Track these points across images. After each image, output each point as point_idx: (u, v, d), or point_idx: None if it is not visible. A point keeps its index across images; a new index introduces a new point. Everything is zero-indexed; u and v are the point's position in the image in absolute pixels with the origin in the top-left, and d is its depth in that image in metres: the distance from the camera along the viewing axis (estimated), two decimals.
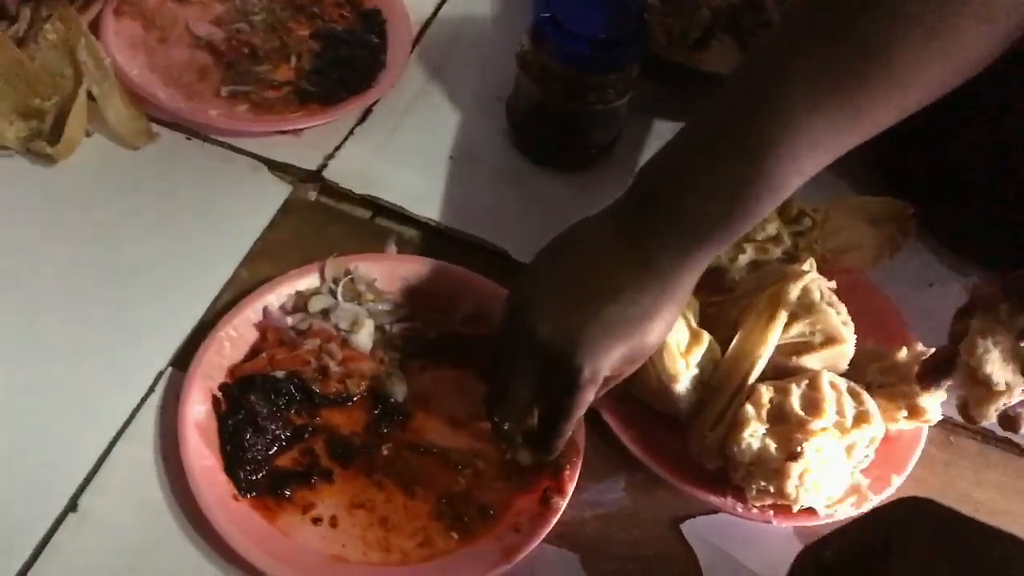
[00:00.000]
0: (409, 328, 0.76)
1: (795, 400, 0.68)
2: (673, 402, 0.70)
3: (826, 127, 0.56)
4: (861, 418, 0.69)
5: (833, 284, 0.73)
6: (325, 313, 0.75)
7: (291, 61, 0.92)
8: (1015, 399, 0.63)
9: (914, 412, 0.72)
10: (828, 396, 0.68)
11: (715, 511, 0.71)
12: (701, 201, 0.58)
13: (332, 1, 0.98)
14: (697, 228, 0.59)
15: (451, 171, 0.88)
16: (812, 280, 0.71)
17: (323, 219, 0.84)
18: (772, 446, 0.67)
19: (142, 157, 0.84)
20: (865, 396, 0.70)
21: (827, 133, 0.56)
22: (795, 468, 0.66)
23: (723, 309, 0.75)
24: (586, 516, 0.70)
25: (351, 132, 0.89)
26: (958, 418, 0.74)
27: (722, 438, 0.69)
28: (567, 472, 0.69)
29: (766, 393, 0.69)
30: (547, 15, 0.79)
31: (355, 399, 0.72)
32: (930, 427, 0.75)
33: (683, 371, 0.69)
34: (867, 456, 0.71)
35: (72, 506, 0.65)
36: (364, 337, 0.74)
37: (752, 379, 0.70)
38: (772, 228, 0.79)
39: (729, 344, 0.72)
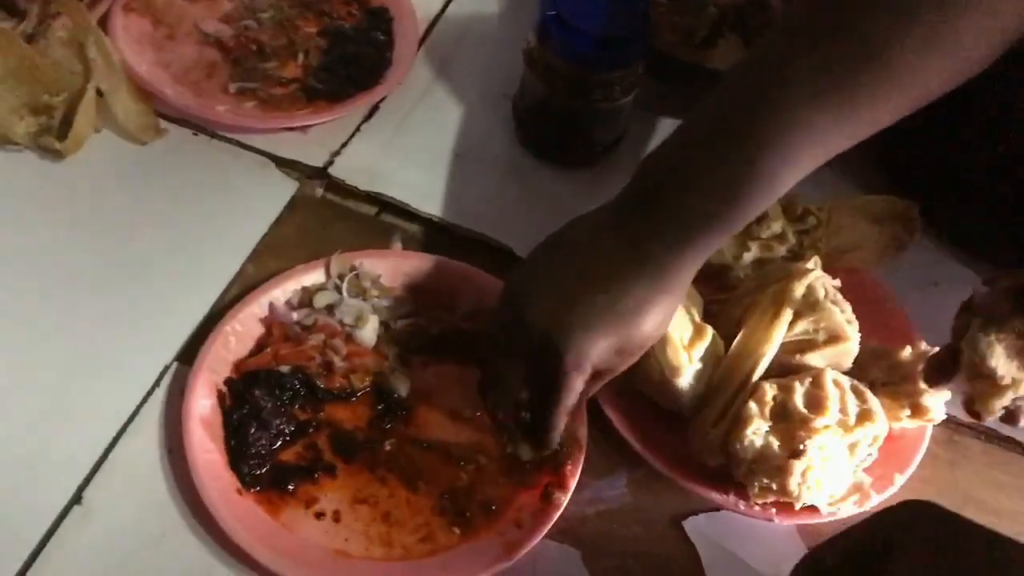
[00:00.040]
0: (413, 324, 0.76)
1: (798, 398, 0.68)
2: (675, 397, 0.70)
3: (824, 125, 0.56)
4: (864, 416, 0.69)
5: (837, 282, 0.73)
6: (330, 309, 0.75)
7: (298, 58, 0.92)
8: (1022, 392, 0.63)
9: (917, 411, 0.72)
10: (831, 394, 0.68)
11: (717, 508, 0.71)
12: (699, 197, 0.58)
13: None
14: (695, 223, 0.59)
15: (456, 168, 0.88)
16: (816, 278, 0.71)
17: (329, 215, 0.84)
18: (775, 443, 0.67)
19: (150, 152, 0.84)
20: (868, 394, 0.70)
21: (825, 131, 0.56)
22: (798, 466, 0.66)
23: (727, 307, 0.75)
24: (588, 512, 0.70)
25: (357, 129, 0.90)
26: (962, 417, 0.75)
27: (724, 435, 0.69)
28: (569, 468, 0.69)
29: (769, 390, 0.69)
30: (553, 13, 0.79)
31: (359, 394, 0.72)
32: (934, 426, 0.75)
33: (686, 365, 0.69)
34: (870, 454, 0.70)
35: (77, 499, 0.65)
36: (368, 333, 0.74)
37: (756, 376, 0.70)
38: (777, 226, 0.79)
39: (733, 341, 0.72)
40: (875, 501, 0.70)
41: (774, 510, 0.70)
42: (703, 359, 0.70)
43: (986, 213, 0.87)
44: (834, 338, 0.71)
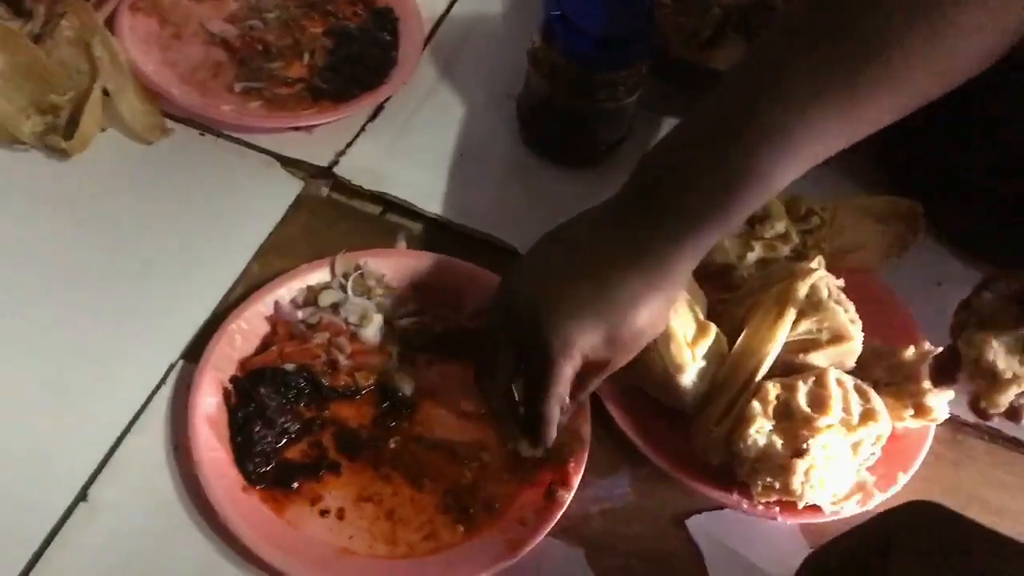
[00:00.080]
0: (417, 322, 0.76)
1: (801, 397, 0.68)
2: (679, 395, 0.71)
3: (824, 124, 0.56)
4: (868, 416, 0.69)
5: (841, 282, 0.73)
6: (335, 307, 0.76)
7: (304, 58, 0.93)
8: None
9: (921, 411, 0.72)
10: (835, 393, 0.68)
11: (720, 507, 0.71)
12: (698, 193, 0.58)
13: None
14: (693, 218, 0.59)
15: (461, 168, 0.89)
16: (820, 278, 0.71)
17: (334, 215, 0.84)
18: (778, 442, 0.67)
19: (156, 152, 0.85)
20: (872, 394, 0.70)
21: (825, 129, 0.56)
22: (801, 465, 0.66)
23: (731, 306, 0.75)
24: (591, 511, 0.70)
25: (362, 129, 0.90)
26: (965, 417, 0.75)
27: (728, 433, 0.69)
28: (572, 466, 0.69)
29: (773, 389, 0.69)
30: (557, 12, 0.79)
31: (363, 392, 0.72)
32: (937, 426, 0.75)
33: (689, 362, 0.69)
34: (873, 454, 0.71)
35: (83, 496, 0.66)
36: (373, 331, 0.75)
37: (759, 376, 0.70)
38: (780, 226, 0.79)
39: (736, 340, 0.72)
40: (878, 500, 0.71)
41: (777, 509, 0.70)
42: (707, 357, 0.71)
43: (986, 213, 0.87)
44: (837, 338, 0.71)
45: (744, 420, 0.68)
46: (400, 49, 0.95)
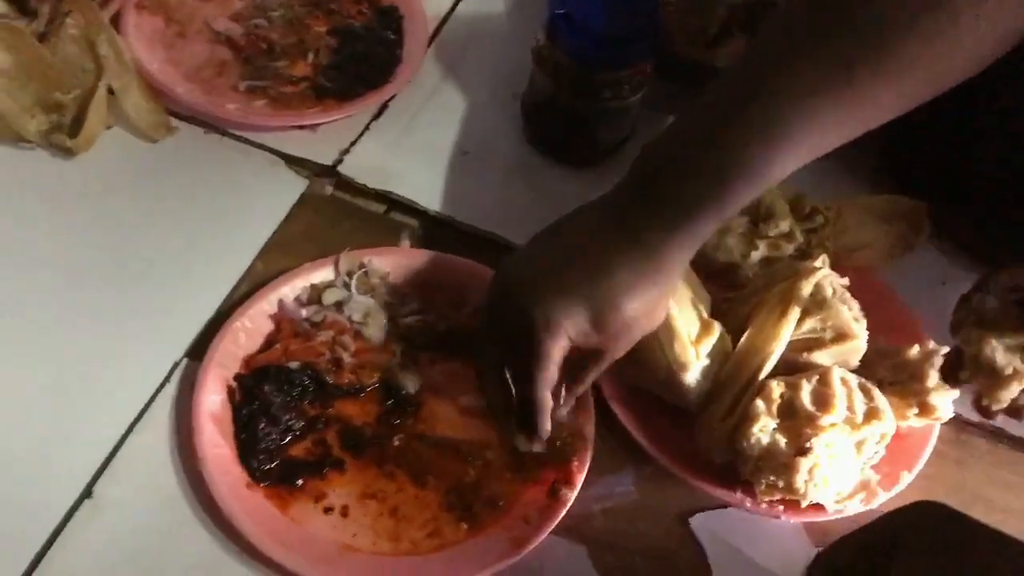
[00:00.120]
0: (421, 321, 0.76)
1: (805, 395, 0.68)
2: (682, 393, 0.71)
3: (820, 118, 0.56)
4: (871, 414, 0.69)
5: (846, 281, 0.73)
6: (339, 305, 0.76)
7: (308, 57, 0.93)
8: None
9: (925, 410, 0.72)
10: (838, 392, 0.68)
11: (724, 506, 0.71)
12: (694, 182, 0.58)
13: None
14: (687, 209, 0.59)
15: (465, 166, 0.89)
16: (824, 276, 0.71)
17: (338, 213, 0.84)
18: (782, 441, 0.67)
19: (161, 150, 0.85)
20: (876, 392, 0.70)
21: (824, 123, 0.56)
22: (804, 463, 0.66)
23: (735, 305, 0.75)
24: (595, 509, 0.71)
25: (367, 127, 0.90)
26: (969, 416, 0.75)
27: (731, 431, 0.69)
28: (575, 464, 0.69)
29: (776, 388, 0.69)
30: (562, 11, 0.79)
31: (367, 390, 0.73)
32: (941, 425, 0.75)
33: (693, 360, 0.69)
34: (877, 452, 0.71)
35: (87, 493, 0.66)
36: (377, 329, 0.75)
37: (763, 374, 0.70)
38: (785, 225, 0.79)
39: (740, 339, 0.72)
40: (882, 499, 0.71)
41: (781, 507, 0.70)
42: (711, 355, 0.71)
43: (989, 213, 0.86)
44: (841, 336, 0.71)
45: (748, 418, 0.68)
46: (404, 48, 0.95)
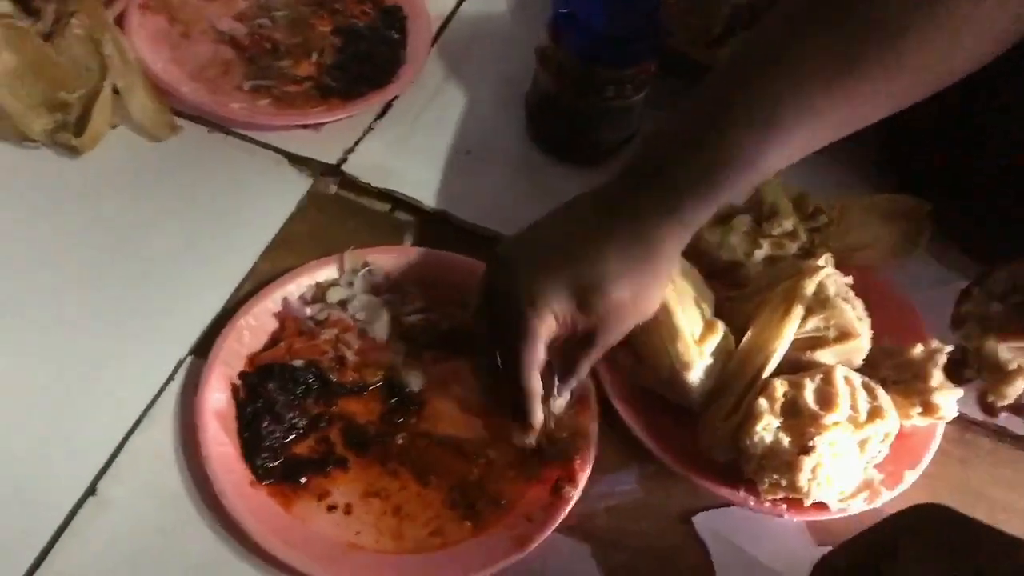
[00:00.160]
0: (424, 319, 0.76)
1: (809, 394, 0.68)
2: (685, 391, 0.71)
3: (815, 111, 0.56)
4: (875, 413, 0.69)
5: (849, 280, 0.73)
6: (343, 304, 0.76)
7: (312, 56, 0.93)
8: None
9: (928, 409, 0.72)
10: (842, 391, 0.68)
11: (727, 504, 0.71)
12: (685, 170, 0.58)
13: None
14: (680, 195, 0.59)
15: (468, 165, 0.89)
16: (828, 275, 0.71)
17: (342, 212, 0.85)
18: (785, 440, 0.67)
19: (165, 149, 0.85)
20: (879, 391, 0.70)
21: (816, 117, 0.56)
22: (807, 462, 0.66)
23: (738, 303, 0.75)
24: (598, 508, 0.71)
25: (370, 127, 0.90)
26: (973, 415, 0.75)
27: (734, 430, 0.69)
28: (578, 462, 0.69)
29: (780, 387, 0.69)
30: (565, 11, 0.79)
31: (371, 388, 0.73)
32: (945, 424, 0.75)
33: (696, 359, 0.69)
34: (880, 451, 0.70)
35: (92, 490, 0.66)
36: (380, 328, 0.75)
37: (766, 373, 0.70)
38: (788, 224, 0.79)
39: (743, 338, 0.72)
40: (886, 498, 0.70)
41: (784, 506, 0.70)
42: (714, 354, 0.71)
43: (988, 211, 0.86)
44: (845, 335, 0.71)
45: (751, 417, 0.68)
46: (408, 47, 0.96)
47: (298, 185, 0.85)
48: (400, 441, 0.71)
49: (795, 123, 0.56)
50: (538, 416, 0.65)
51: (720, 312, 0.74)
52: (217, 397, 0.69)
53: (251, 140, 0.87)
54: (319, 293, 0.76)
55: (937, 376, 0.71)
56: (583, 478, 0.69)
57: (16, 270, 0.75)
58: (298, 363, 0.72)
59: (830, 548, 0.54)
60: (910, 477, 0.72)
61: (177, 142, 0.86)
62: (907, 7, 0.53)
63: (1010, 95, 0.79)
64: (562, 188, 0.87)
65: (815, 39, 0.56)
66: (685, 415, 0.73)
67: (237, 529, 0.64)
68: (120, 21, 0.88)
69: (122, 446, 0.68)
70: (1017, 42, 0.56)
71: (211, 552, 0.65)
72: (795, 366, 0.71)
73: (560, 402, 0.67)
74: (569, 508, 0.68)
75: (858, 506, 0.70)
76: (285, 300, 0.75)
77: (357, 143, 0.89)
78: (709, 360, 0.70)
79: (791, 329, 0.70)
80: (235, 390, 0.70)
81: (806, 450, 0.66)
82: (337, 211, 0.85)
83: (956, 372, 0.69)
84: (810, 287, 0.70)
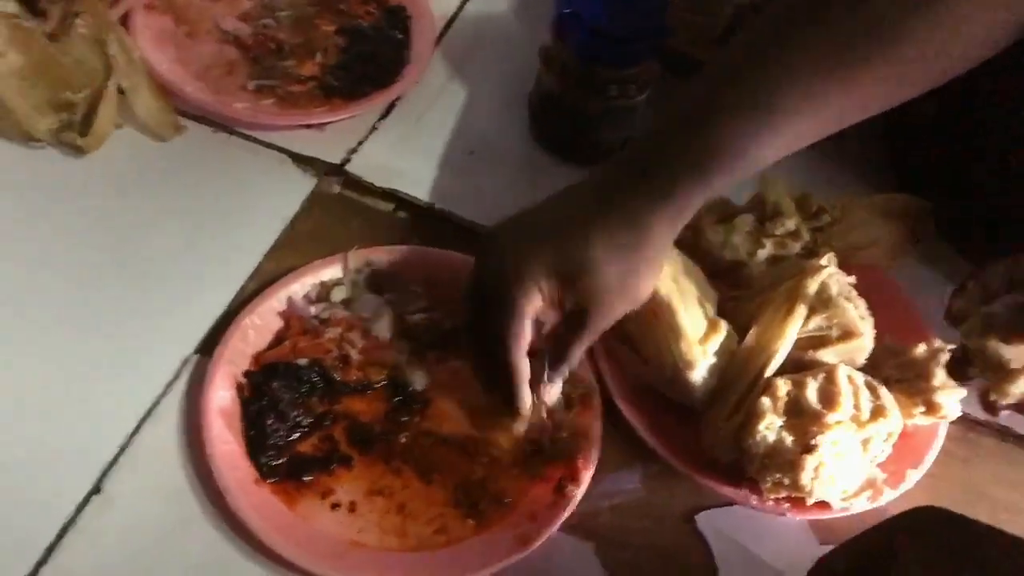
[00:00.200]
0: (428, 318, 0.76)
1: (811, 393, 0.68)
2: (688, 391, 0.71)
3: (807, 101, 0.56)
4: (878, 412, 0.69)
5: (852, 279, 0.73)
6: (347, 303, 0.76)
7: (316, 56, 0.93)
8: None
9: (931, 408, 0.72)
10: (844, 390, 0.68)
11: (730, 503, 0.72)
12: (677, 157, 0.58)
13: None
14: (674, 177, 0.58)
15: (472, 165, 0.89)
16: (830, 275, 0.72)
17: (346, 212, 0.85)
18: (787, 439, 0.67)
19: (170, 149, 0.85)
20: (882, 390, 0.70)
21: (808, 107, 0.56)
22: (810, 461, 0.66)
23: (741, 303, 0.75)
24: (601, 506, 0.71)
25: (374, 127, 0.91)
26: (976, 415, 0.75)
27: (737, 429, 0.69)
28: (582, 461, 0.70)
29: (782, 386, 0.69)
30: (568, 10, 0.80)
31: (375, 387, 0.73)
32: (949, 424, 0.75)
33: (699, 358, 0.70)
34: (883, 450, 0.71)
35: (97, 488, 0.66)
36: (384, 327, 0.75)
37: (769, 372, 0.70)
38: (791, 223, 0.79)
39: (746, 337, 0.72)
40: (888, 497, 0.71)
41: (786, 505, 0.70)
42: (717, 354, 0.71)
43: (987, 210, 0.86)
44: (847, 334, 0.71)
45: (754, 416, 0.68)
46: (412, 47, 0.96)
47: (302, 185, 0.85)
48: (404, 440, 0.71)
49: (791, 111, 0.56)
50: (526, 401, 0.64)
51: (723, 312, 0.74)
52: (222, 395, 0.70)
53: (255, 140, 0.88)
54: (323, 292, 0.77)
55: (940, 375, 0.72)
56: (586, 477, 0.69)
57: (22, 269, 0.76)
58: (302, 362, 0.72)
59: (832, 547, 0.54)
60: (913, 476, 0.72)
61: (182, 142, 0.86)
62: (906, 5, 0.53)
63: (1009, 94, 0.79)
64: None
65: (814, 31, 0.55)
66: (688, 414, 0.73)
67: (241, 526, 0.65)
68: (125, 21, 0.88)
69: (127, 444, 0.68)
70: (1016, 40, 0.56)
71: (215, 549, 0.65)
72: (798, 365, 0.71)
73: (552, 392, 0.66)
74: (572, 507, 0.68)
75: (861, 505, 0.70)
76: (289, 299, 0.76)
77: (361, 143, 0.89)
78: (712, 359, 0.71)
79: (794, 328, 0.70)
80: (240, 388, 0.71)
81: (809, 449, 0.66)
82: (341, 211, 0.85)
83: (959, 370, 0.69)
84: (813, 286, 0.71)
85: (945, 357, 0.71)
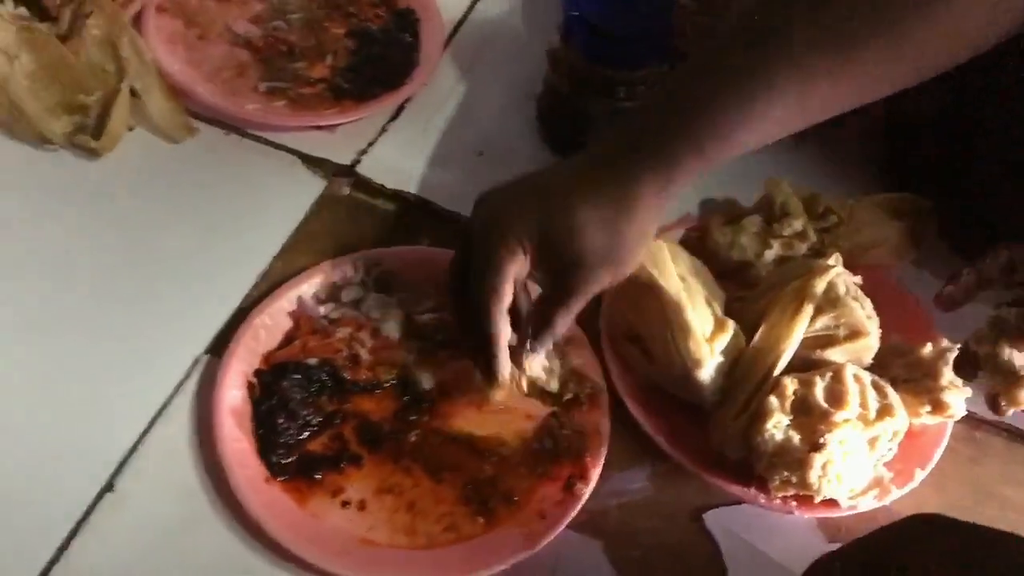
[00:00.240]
0: (437, 318, 0.76)
1: (819, 392, 0.68)
2: (697, 389, 0.71)
3: (817, 70, 0.56)
4: (884, 411, 0.69)
5: (858, 279, 0.74)
6: (356, 303, 0.77)
7: (326, 59, 0.94)
8: None
9: (938, 407, 0.72)
10: (852, 389, 0.68)
11: (738, 501, 0.72)
12: (671, 120, 0.59)
13: (367, 0, 1.00)
14: (662, 145, 0.59)
15: (480, 167, 0.90)
16: (837, 274, 0.72)
17: (356, 212, 0.85)
18: (795, 437, 0.68)
19: (182, 151, 0.86)
20: (889, 390, 0.70)
21: (808, 86, 0.57)
22: (818, 459, 0.66)
23: (749, 303, 0.75)
24: (610, 504, 0.71)
25: (384, 129, 0.91)
26: (983, 414, 0.75)
27: (745, 428, 0.69)
28: (590, 459, 0.70)
29: (790, 385, 0.69)
30: (576, 13, 0.80)
31: (384, 386, 0.73)
32: (955, 423, 0.75)
33: (708, 357, 0.70)
34: (890, 449, 0.71)
35: (109, 486, 0.67)
36: (393, 327, 0.75)
37: (777, 371, 0.70)
38: (798, 224, 0.79)
39: (754, 337, 0.72)
40: (896, 495, 0.71)
41: (794, 503, 0.70)
42: (725, 352, 0.71)
43: (987, 209, 0.86)
44: (854, 334, 0.71)
45: (762, 415, 0.68)
46: (421, 50, 0.96)
47: (312, 186, 0.86)
48: (413, 438, 0.71)
49: (785, 85, 0.56)
50: (504, 367, 0.63)
51: (730, 312, 0.74)
52: (233, 394, 0.70)
53: (266, 141, 0.88)
54: (333, 292, 0.77)
55: (947, 375, 0.72)
56: (595, 475, 0.70)
57: (35, 270, 0.76)
58: (312, 361, 0.73)
59: (839, 544, 0.54)
60: (920, 475, 0.72)
61: (193, 143, 0.87)
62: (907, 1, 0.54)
63: (1008, 94, 0.79)
64: None
65: (813, 16, 0.56)
66: (696, 413, 0.73)
67: (252, 524, 0.65)
68: (136, 23, 0.89)
69: (139, 443, 0.69)
70: (1014, 35, 0.56)
71: (226, 547, 0.66)
72: (805, 364, 0.71)
73: (535, 362, 0.65)
74: (581, 505, 0.68)
75: (868, 503, 0.70)
76: (300, 299, 0.76)
77: (371, 144, 0.89)
78: (720, 358, 0.71)
79: (801, 328, 0.70)
80: (250, 388, 0.71)
81: (816, 447, 0.66)
82: (351, 211, 0.85)
83: (964, 369, 0.69)
84: (820, 286, 0.71)
85: (952, 357, 0.71)
